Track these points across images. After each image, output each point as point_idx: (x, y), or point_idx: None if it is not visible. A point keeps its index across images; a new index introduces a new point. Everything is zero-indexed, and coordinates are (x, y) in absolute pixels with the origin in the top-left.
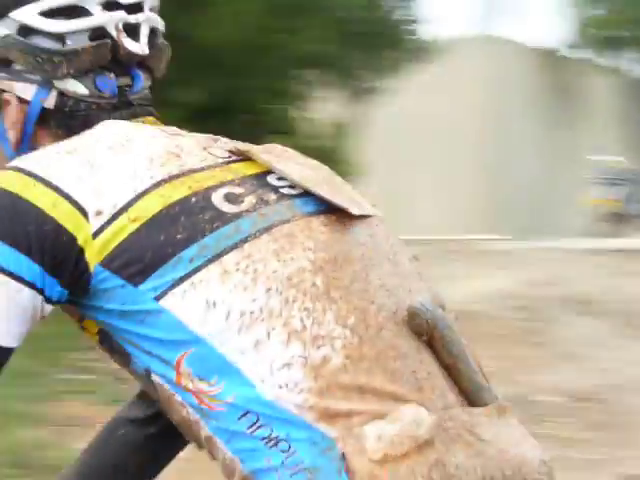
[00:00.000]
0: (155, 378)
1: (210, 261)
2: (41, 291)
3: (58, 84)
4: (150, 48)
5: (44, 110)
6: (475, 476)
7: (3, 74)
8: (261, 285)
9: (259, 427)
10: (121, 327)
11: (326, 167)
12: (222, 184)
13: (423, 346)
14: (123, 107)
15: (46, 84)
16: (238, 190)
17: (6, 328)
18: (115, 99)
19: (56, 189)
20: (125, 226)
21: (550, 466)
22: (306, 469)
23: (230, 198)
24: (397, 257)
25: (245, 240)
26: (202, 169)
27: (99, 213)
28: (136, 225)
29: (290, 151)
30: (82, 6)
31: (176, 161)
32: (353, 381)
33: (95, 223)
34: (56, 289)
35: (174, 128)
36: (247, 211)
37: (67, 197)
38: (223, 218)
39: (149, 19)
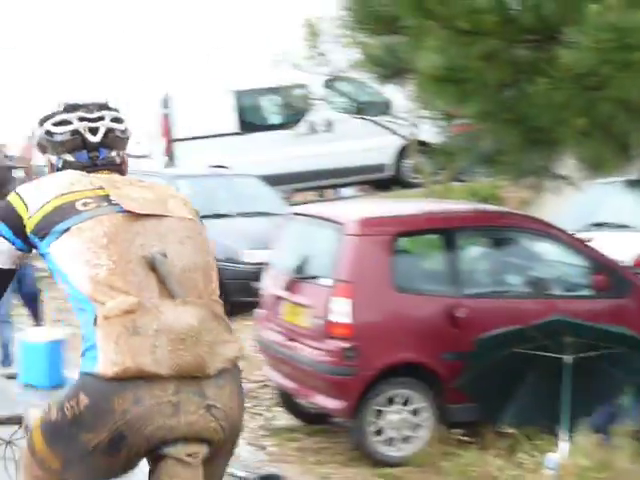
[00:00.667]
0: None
1: (66, 231)
2: (12, 243)
3: (63, 157)
4: (104, 139)
5: (58, 168)
6: (151, 329)
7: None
8: (85, 241)
9: (80, 309)
10: (46, 262)
11: (160, 188)
12: (84, 198)
13: (150, 272)
14: (91, 167)
15: (59, 157)
16: (90, 201)
17: (2, 260)
18: (88, 162)
19: (20, 197)
20: (41, 214)
21: (198, 331)
22: (85, 323)
23: (84, 204)
24: (167, 237)
25: (83, 221)
26: (80, 191)
27: (32, 207)
28: (45, 213)
29: (130, 181)
30: (68, 120)
31: (69, 187)
32: (108, 284)
33: (30, 212)
34: (19, 243)
35: (101, 175)
36: (88, 210)
37: (23, 200)
38: (77, 212)
39: (105, 125)
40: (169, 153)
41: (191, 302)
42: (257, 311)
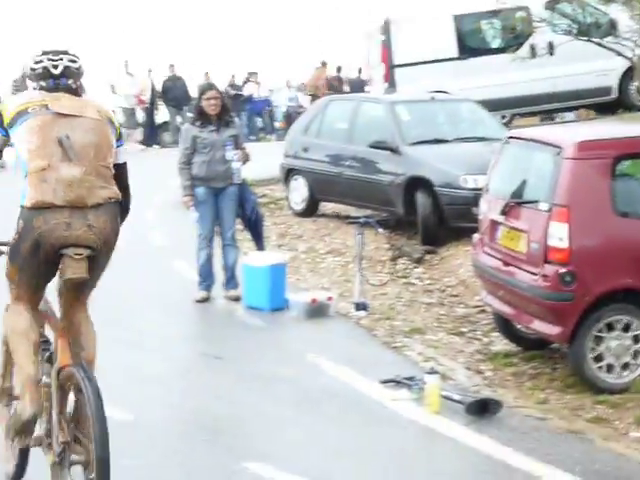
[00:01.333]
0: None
1: (20, 124)
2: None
3: (39, 83)
4: (63, 71)
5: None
6: (53, 179)
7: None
8: (27, 129)
9: (22, 170)
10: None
11: (87, 101)
12: (33, 106)
13: (59, 147)
14: (55, 89)
15: (37, 84)
16: (36, 107)
17: None
18: (53, 87)
19: (3, 105)
20: (11, 115)
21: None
22: (23, 177)
23: (32, 109)
24: (75, 128)
25: (28, 119)
26: (32, 102)
27: (8, 111)
28: (13, 114)
29: (71, 98)
30: (41, 60)
31: (28, 100)
32: (34, 153)
33: (7, 114)
34: (2, 132)
35: (53, 94)
36: (33, 112)
37: (5, 107)
38: (27, 113)
39: (63, 63)
40: (389, 79)
41: (79, 164)
42: (474, 236)
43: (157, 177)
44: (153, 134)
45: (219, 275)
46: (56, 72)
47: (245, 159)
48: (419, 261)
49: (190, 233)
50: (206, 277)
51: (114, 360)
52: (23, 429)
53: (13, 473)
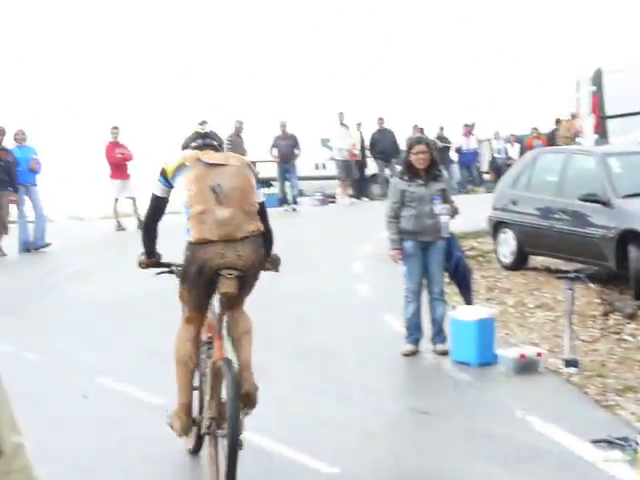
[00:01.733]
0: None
1: (180, 175)
2: (164, 185)
3: (192, 144)
4: (208, 133)
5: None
6: (209, 219)
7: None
8: (186, 179)
9: (185, 212)
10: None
11: (229, 154)
12: (188, 159)
13: (212, 193)
14: (202, 147)
15: (194, 143)
16: (191, 161)
17: (159, 191)
18: (202, 145)
19: (167, 164)
20: (174, 169)
21: None
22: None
23: (188, 162)
24: (224, 175)
25: (187, 170)
26: (187, 157)
27: (170, 166)
28: (175, 168)
29: (216, 152)
30: (195, 130)
31: (184, 156)
32: (193, 199)
33: (170, 169)
34: (166, 184)
35: (204, 150)
36: (189, 165)
37: (167, 165)
38: (185, 166)
39: (207, 129)
40: (599, 130)
41: (229, 206)
42: None
43: (365, 229)
44: (363, 187)
45: (426, 329)
46: (202, 132)
47: (453, 213)
48: (632, 317)
49: (397, 286)
50: (413, 331)
51: (321, 413)
52: (177, 429)
53: (193, 446)
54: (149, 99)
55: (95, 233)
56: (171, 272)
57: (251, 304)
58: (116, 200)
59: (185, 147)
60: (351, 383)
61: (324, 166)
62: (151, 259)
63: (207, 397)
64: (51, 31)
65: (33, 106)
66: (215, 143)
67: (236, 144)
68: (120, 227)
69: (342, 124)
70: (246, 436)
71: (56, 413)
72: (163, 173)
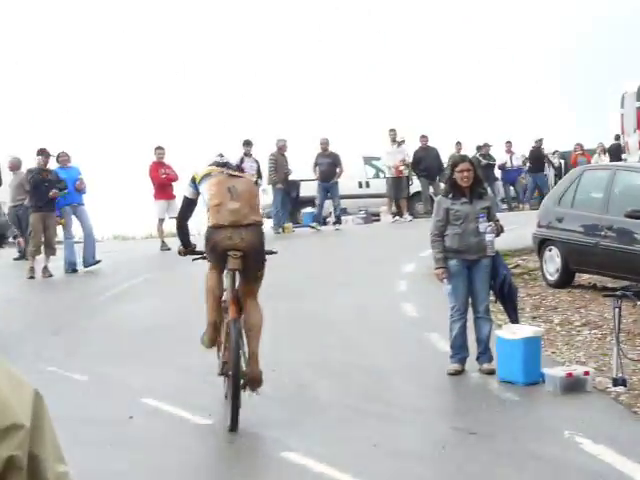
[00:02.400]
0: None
1: (205, 181)
2: (193, 188)
3: (215, 161)
4: (227, 163)
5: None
6: (224, 210)
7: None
8: (209, 184)
9: (205, 207)
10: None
11: (245, 175)
12: (213, 171)
13: (229, 193)
14: (222, 165)
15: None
16: (215, 172)
17: (190, 193)
18: (223, 164)
19: (196, 172)
20: (201, 176)
21: None
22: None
23: (212, 173)
24: (238, 182)
25: (210, 178)
26: (212, 169)
27: (199, 175)
28: (202, 176)
29: (232, 170)
30: (220, 153)
31: (209, 169)
32: (213, 196)
33: (198, 177)
34: (195, 188)
35: (230, 171)
36: (212, 175)
37: (197, 173)
38: (210, 176)
39: (226, 160)
40: None
41: (239, 201)
42: None
43: (409, 247)
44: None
45: (472, 348)
46: (222, 162)
47: (498, 231)
48: None
49: (443, 305)
50: (459, 350)
51: (367, 433)
52: (207, 345)
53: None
54: (193, 120)
55: (140, 253)
56: (204, 258)
57: (297, 323)
58: (161, 220)
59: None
60: (397, 403)
61: (367, 184)
62: (187, 248)
63: (222, 346)
64: (95, 52)
65: (77, 127)
66: (230, 171)
67: (279, 163)
68: (165, 247)
69: (394, 141)
70: (293, 457)
71: (102, 434)
72: (193, 179)
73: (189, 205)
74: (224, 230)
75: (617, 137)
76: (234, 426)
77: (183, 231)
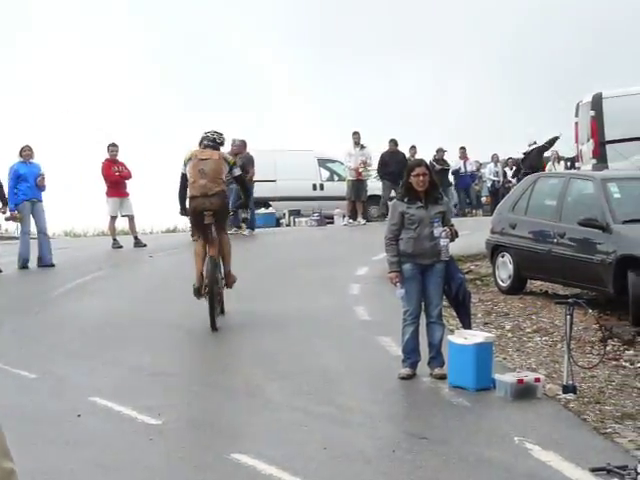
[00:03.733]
0: None
1: (190, 162)
2: (184, 166)
3: (203, 143)
4: (209, 141)
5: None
6: (197, 185)
7: None
8: (188, 167)
9: None
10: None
11: (216, 153)
12: (192, 155)
13: (199, 173)
14: (205, 146)
15: (200, 144)
16: (194, 156)
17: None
18: (205, 143)
19: (185, 154)
20: (186, 159)
21: None
22: None
23: (191, 157)
24: (207, 164)
25: (189, 161)
26: (192, 152)
27: (185, 157)
28: (187, 159)
29: (207, 150)
30: (203, 134)
31: (192, 151)
32: (190, 176)
33: (184, 159)
34: (183, 168)
35: (202, 149)
36: (191, 158)
37: (185, 155)
38: (190, 159)
39: (212, 136)
40: (598, 155)
41: (206, 178)
42: None
43: (363, 251)
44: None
45: (424, 352)
46: (211, 138)
47: (453, 236)
48: (630, 343)
49: (395, 309)
50: (411, 354)
51: (316, 437)
52: (195, 293)
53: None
54: (146, 116)
55: (91, 250)
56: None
57: (248, 325)
58: (113, 218)
59: (199, 143)
60: (347, 406)
61: (322, 187)
62: (184, 211)
63: (204, 273)
64: (52, 48)
65: (29, 122)
66: (211, 143)
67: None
68: (116, 244)
69: (357, 144)
70: (243, 459)
71: (50, 433)
72: (184, 161)
73: (183, 180)
74: (199, 198)
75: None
76: (213, 326)
77: (183, 199)
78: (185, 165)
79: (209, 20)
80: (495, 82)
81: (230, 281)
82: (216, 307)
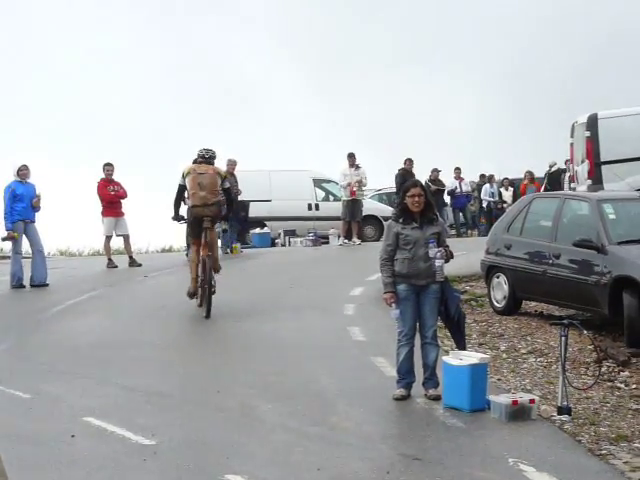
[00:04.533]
0: None
1: (189, 176)
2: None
3: (196, 160)
4: (205, 156)
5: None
6: (197, 197)
7: None
8: (187, 180)
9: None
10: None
11: (211, 168)
12: (190, 170)
13: (198, 185)
14: (201, 162)
15: (194, 161)
16: (192, 170)
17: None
18: (200, 160)
19: (184, 169)
20: (185, 173)
21: None
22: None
23: (189, 171)
24: (205, 177)
25: (188, 175)
26: (190, 167)
27: (184, 172)
28: (186, 173)
29: (204, 165)
30: (197, 153)
31: (190, 166)
32: (190, 189)
33: (183, 173)
34: (182, 182)
35: (199, 165)
36: (190, 173)
37: (184, 170)
38: (189, 174)
39: (209, 153)
40: (593, 176)
41: (205, 191)
42: None
43: (358, 271)
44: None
45: (419, 373)
46: (202, 155)
47: (448, 257)
48: (625, 364)
49: (390, 329)
50: (405, 375)
51: (311, 458)
52: (190, 296)
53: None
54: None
55: (87, 270)
56: (186, 221)
57: (243, 345)
58: (108, 237)
59: (194, 160)
60: (342, 427)
61: (317, 207)
62: (178, 217)
63: (198, 279)
64: (49, 65)
65: (25, 141)
66: (210, 161)
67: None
68: (111, 264)
69: (352, 165)
70: None
71: (44, 453)
72: (182, 175)
73: (181, 190)
74: (199, 207)
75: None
76: (208, 314)
77: (177, 207)
78: (184, 178)
79: (205, 36)
80: (499, 98)
81: (216, 266)
82: (209, 299)
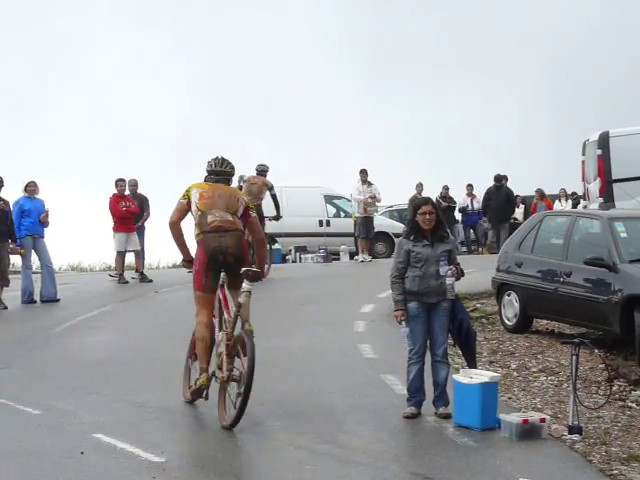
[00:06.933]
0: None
1: (196, 192)
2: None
3: (209, 177)
4: (220, 173)
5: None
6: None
7: None
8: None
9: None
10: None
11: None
12: (201, 187)
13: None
14: (217, 180)
15: (209, 177)
16: (205, 187)
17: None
18: (216, 179)
19: (190, 186)
20: (192, 189)
21: None
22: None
23: (202, 186)
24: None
25: (199, 189)
26: (201, 184)
27: (190, 189)
28: (192, 189)
29: (220, 184)
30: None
31: (201, 184)
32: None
33: (190, 188)
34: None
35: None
36: (202, 187)
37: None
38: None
39: (221, 168)
40: (604, 194)
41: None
42: None
43: (368, 288)
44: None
45: (429, 391)
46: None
47: (459, 275)
48: (637, 383)
49: (400, 347)
50: (416, 393)
51: (321, 476)
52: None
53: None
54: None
55: (97, 286)
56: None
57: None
58: (119, 253)
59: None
60: (352, 445)
61: (328, 223)
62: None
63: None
64: (55, 80)
65: (37, 156)
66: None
67: None
68: (122, 280)
69: (364, 182)
70: None
71: (54, 470)
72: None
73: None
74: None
75: None
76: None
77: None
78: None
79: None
80: (506, 117)
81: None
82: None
